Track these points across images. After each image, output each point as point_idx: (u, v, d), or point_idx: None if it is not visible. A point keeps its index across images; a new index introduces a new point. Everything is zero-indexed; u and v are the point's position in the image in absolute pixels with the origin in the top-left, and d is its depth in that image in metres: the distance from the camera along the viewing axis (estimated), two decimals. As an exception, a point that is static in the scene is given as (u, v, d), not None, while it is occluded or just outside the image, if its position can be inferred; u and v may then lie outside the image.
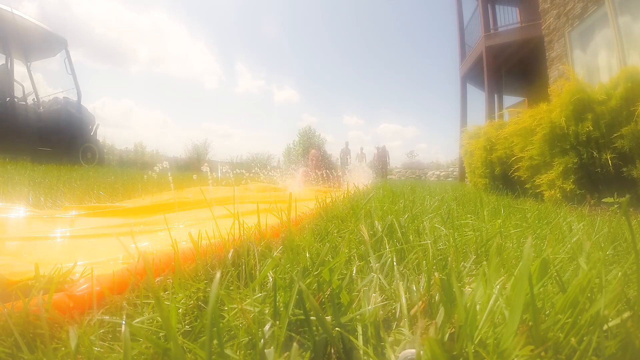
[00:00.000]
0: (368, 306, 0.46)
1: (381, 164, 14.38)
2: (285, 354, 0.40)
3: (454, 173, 15.57)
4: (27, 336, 0.42)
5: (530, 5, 7.81)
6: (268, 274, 0.57)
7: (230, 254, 0.66)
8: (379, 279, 0.59)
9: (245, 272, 0.63)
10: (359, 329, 0.44)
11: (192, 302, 0.52)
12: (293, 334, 0.44)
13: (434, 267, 0.61)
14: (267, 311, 0.47)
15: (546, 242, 0.91)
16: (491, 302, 0.41)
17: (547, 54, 6.10)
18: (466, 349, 0.35)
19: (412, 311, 0.50)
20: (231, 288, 0.57)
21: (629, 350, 0.37)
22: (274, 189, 3.02)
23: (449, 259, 0.68)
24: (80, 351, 0.39)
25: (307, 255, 0.65)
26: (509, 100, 11.30)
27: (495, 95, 10.53)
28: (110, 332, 0.44)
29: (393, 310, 0.52)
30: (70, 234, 1.02)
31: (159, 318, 0.45)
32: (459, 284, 0.50)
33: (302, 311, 0.43)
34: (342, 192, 2.16)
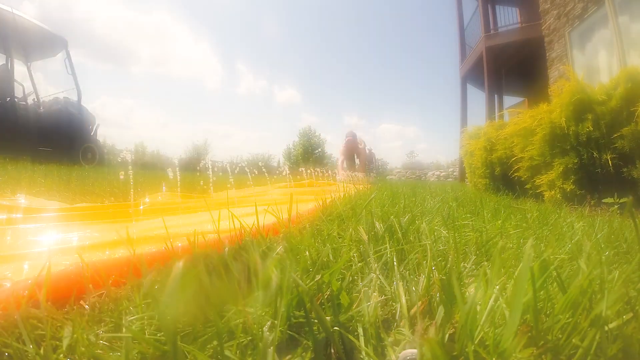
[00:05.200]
0: (368, 307, 0.46)
1: (369, 164, 15.50)
2: (287, 358, 0.40)
3: (454, 173, 15.58)
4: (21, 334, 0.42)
5: (530, 5, 7.81)
6: (272, 275, 0.57)
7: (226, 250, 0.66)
8: (379, 280, 0.59)
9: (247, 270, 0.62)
10: (360, 329, 0.44)
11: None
12: (294, 334, 0.44)
13: (434, 268, 0.61)
14: (264, 313, 0.47)
15: (545, 243, 0.91)
16: (491, 302, 0.41)
17: (547, 54, 6.11)
18: (466, 349, 0.35)
19: (412, 311, 0.50)
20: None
21: (630, 352, 0.36)
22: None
23: (449, 259, 0.68)
24: (79, 351, 0.38)
25: (307, 254, 0.65)
26: (509, 100, 11.31)
27: (496, 96, 10.53)
28: (110, 329, 0.44)
29: (393, 311, 0.52)
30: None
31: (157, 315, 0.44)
32: (459, 284, 0.50)
33: (302, 313, 0.43)
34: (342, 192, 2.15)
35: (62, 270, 0.56)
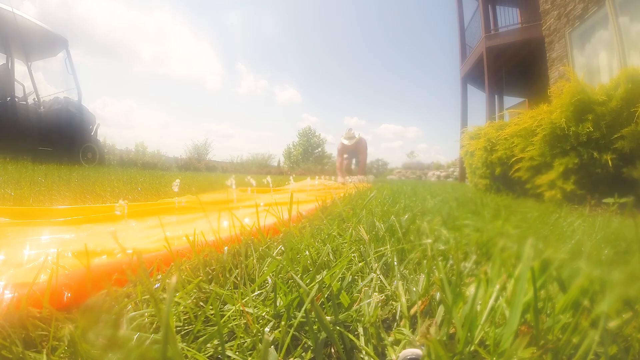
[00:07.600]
0: (368, 307, 0.46)
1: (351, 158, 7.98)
2: (288, 357, 0.40)
3: (455, 173, 15.57)
4: (20, 335, 0.42)
5: (530, 6, 7.81)
6: (268, 276, 0.57)
7: (225, 251, 0.66)
8: (380, 279, 0.59)
9: (245, 272, 0.62)
10: (360, 329, 0.44)
11: (190, 300, 0.52)
12: (295, 333, 0.44)
13: (434, 267, 0.61)
14: (264, 314, 0.47)
15: (546, 243, 0.91)
16: (491, 301, 0.41)
17: (547, 54, 6.10)
18: (467, 349, 0.35)
19: (412, 311, 0.50)
20: (228, 287, 0.57)
21: (630, 352, 0.36)
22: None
23: (450, 259, 0.68)
24: (79, 352, 0.38)
25: (307, 253, 0.65)
26: (510, 100, 11.31)
27: (496, 96, 10.53)
28: (111, 329, 0.44)
29: (393, 311, 0.52)
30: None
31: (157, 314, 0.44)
32: (459, 284, 0.50)
33: (303, 313, 0.43)
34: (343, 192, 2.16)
35: (64, 271, 0.56)
